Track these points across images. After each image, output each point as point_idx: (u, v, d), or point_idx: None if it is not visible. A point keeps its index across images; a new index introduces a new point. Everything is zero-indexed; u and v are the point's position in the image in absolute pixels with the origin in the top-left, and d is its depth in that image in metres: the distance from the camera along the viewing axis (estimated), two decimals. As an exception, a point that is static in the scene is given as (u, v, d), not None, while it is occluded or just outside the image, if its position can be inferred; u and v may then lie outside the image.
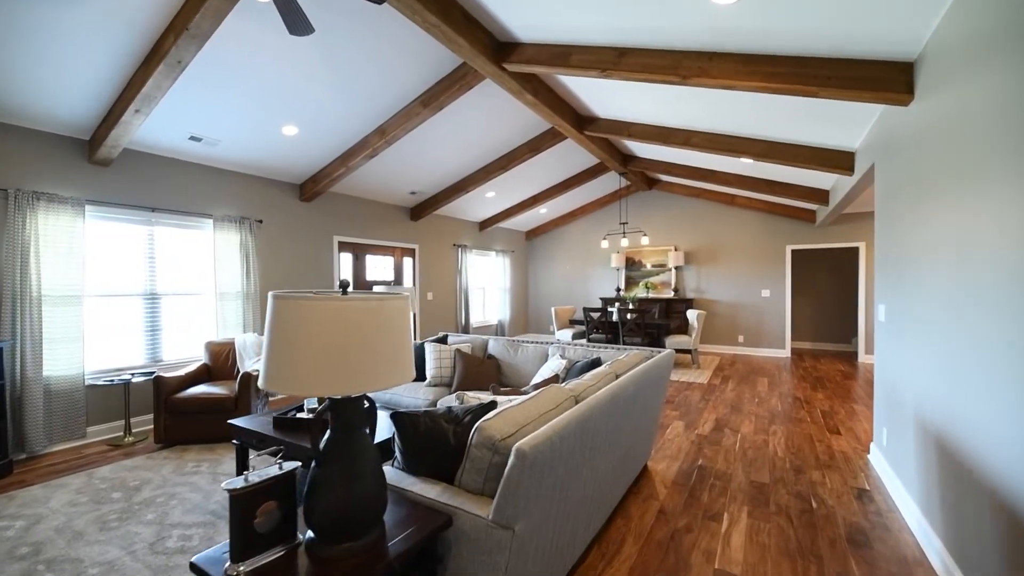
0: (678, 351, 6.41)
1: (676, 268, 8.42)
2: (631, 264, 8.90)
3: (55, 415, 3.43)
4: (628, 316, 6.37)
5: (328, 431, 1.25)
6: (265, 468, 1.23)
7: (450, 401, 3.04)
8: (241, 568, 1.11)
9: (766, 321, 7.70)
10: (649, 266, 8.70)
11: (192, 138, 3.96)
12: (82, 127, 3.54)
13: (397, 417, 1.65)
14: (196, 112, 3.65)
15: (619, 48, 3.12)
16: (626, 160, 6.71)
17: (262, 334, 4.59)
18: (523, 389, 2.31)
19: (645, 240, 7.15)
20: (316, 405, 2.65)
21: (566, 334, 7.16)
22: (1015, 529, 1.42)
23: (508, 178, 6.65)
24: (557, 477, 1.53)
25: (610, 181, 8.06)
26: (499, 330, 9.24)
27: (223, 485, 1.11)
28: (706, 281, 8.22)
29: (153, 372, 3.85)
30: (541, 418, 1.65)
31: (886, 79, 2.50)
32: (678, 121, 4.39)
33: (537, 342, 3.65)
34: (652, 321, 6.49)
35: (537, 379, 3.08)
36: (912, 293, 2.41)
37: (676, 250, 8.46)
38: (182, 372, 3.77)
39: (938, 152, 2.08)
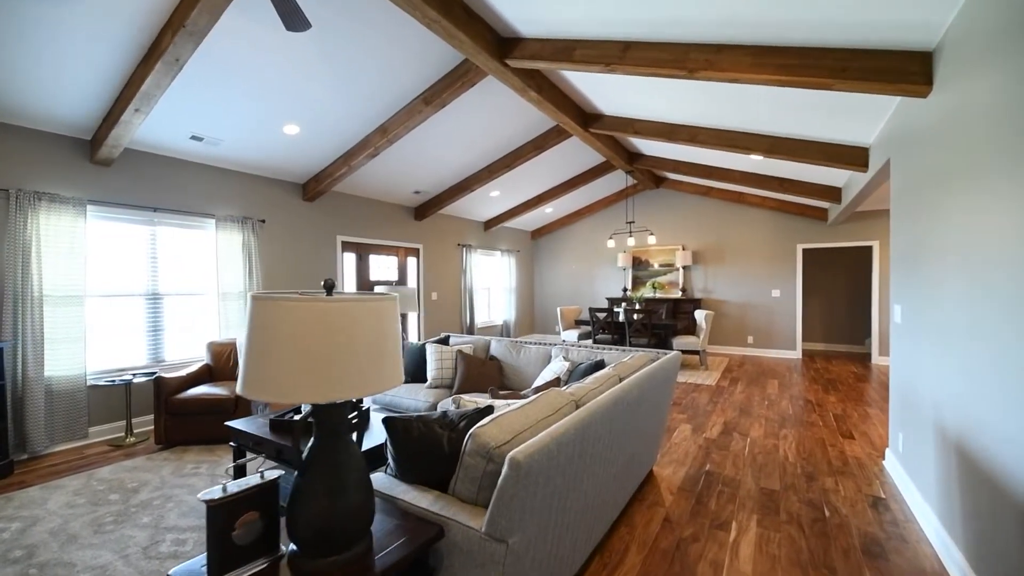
0: (686, 352, 6.30)
1: (684, 268, 8.29)
2: (638, 264, 8.79)
3: (57, 415, 3.43)
4: (635, 316, 6.27)
5: (312, 438, 1.19)
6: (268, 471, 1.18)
7: (449, 404, 2.99)
8: (218, 583, 1.06)
9: (776, 321, 7.55)
10: (656, 266, 8.58)
11: (194, 137, 3.95)
12: (83, 127, 3.53)
13: (389, 422, 1.59)
14: (197, 111, 3.63)
15: (624, 42, 3.04)
16: (632, 158, 6.60)
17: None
18: (523, 393, 2.24)
19: (652, 239, 7.04)
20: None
21: (572, 334, 7.08)
22: (1046, 547, 1.33)
23: (513, 177, 6.58)
24: (555, 487, 1.45)
25: (616, 180, 7.97)
26: (504, 330, 9.17)
27: (199, 496, 1.06)
28: (714, 281, 8.09)
29: (155, 372, 3.84)
30: (539, 424, 1.58)
31: (903, 70, 2.40)
32: (684, 117, 4.29)
33: (540, 343, 3.58)
34: (659, 321, 6.38)
35: (539, 382, 3.01)
36: (931, 294, 2.30)
37: (684, 249, 8.34)
38: (184, 372, 3.75)
39: (958, 145, 1.97)
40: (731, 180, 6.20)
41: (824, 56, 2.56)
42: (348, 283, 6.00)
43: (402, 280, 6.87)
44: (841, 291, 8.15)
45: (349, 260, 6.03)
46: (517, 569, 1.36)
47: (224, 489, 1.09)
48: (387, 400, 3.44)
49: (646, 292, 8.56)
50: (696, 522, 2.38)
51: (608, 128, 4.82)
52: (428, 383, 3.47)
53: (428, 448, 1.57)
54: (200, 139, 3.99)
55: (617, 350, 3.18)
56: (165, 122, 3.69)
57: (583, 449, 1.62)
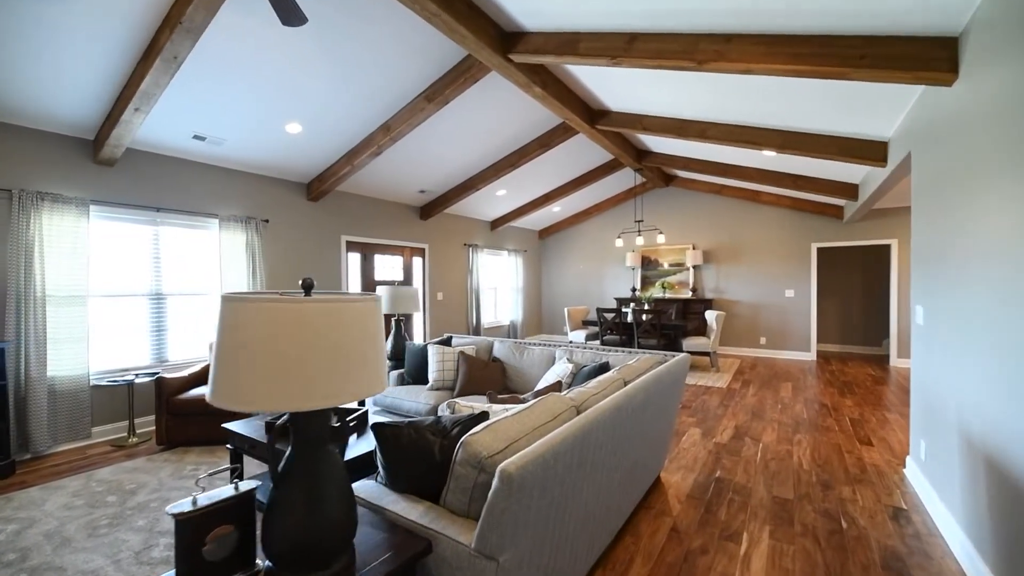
0: (696, 353, 6.15)
1: (694, 267, 8.13)
2: (647, 263, 8.65)
3: (60, 415, 3.43)
4: (643, 317, 6.15)
5: (290, 447, 1.12)
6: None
7: (445, 409, 2.91)
8: (187, 602, 0.99)
9: (790, 322, 7.37)
10: (666, 265, 8.43)
11: (196, 137, 3.93)
12: (85, 127, 3.53)
13: (378, 428, 1.52)
14: (199, 111, 3.60)
15: (630, 33, 2.94)
16: (641, 155, 6.48)
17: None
18: (523, 397, 2.16)
19: (661, 238, 6.90)
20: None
21: (579, 335, 6.97)
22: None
23: (519, 175, 6.50)
24: (552, 499, 1.37)
25: (625, 178, 7.84)
26: (511, 331, 9.09)
27: (167, 509, 1.00)
28: (726, 281, 7.92)
29: (158, 373, 3.83)
30: (536, 431, 1.50)
31: (925, 57, 2.27)
32: (694, 112, 4.17)
33: (544, 344, 3.49)
34: (668, 322, 6.25)
35: (542, 384, 2.93)
36: (956, 294, 2.17)
37: (694, 249, 8.18)
38: (186, 373, 3.74)
39: (987, 137, 1.85)
40: (744, 177, 6.04)
41: (840, 44, 2.43)
42: (352, 283, 5.97)
43: (407, 280, 6.82)
44: (857, 291, 7.92)
45: (354, 260, 6.00)
46: (510, 587, 1.27)
47: (194, 502, 1.03)
48: (388, 402, 3.38)
49: (655, 292, 8.41)
50: (705, 532, 2.28)
51: (616, 124, 4.71)
52: (429, 385, 3.40)
53: (419, 456, 1.49)
54: (203, 138, 3.97)
55: (623, 352, 3.08)
56: (167, 122, 3.67)
57: (583, 458, 1.53)
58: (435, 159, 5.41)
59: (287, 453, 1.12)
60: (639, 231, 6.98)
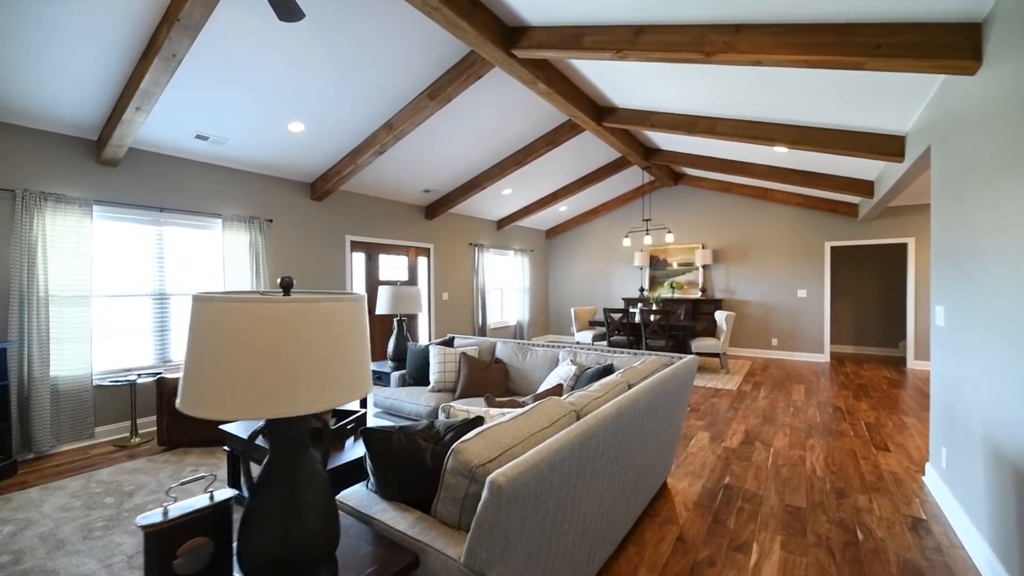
0: (706, 355, 6.03)
1: (704, 267, 7.99)
2: (655, 263, 8.51)
3: (63, 415, 3.43)
4: (651, 318, 6.04)
5: (267, 456, 1.06)
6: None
7: (440, 412, 2.85)
8: (156, 619, 0.94)
9: (802, 323, 7.20)
10: (675, 265, 8.29)
11: (199, 136, 3.92)
12: (87, 127, 3.53)
13: (368, 434, 1.46)
14: (201, 110, 3.59)
15: (635, 26, 2.85)
16: (649, 153, 6.37)
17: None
18: (522, 400, 2.09)
19: (669, 237, 6.79)
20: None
21: (586, 336, 6.88)
22: None
23: (525, 174, 6.43)
24: (547, 510, 1.30)
25: (633, 176, 7.72)
26: (518, 331, 9.02)
27: (137, 521, 0.94)
28: (736, 281, 7.77)
29: (160, 373, 3.82)
30: (532, 438, 1.42)
31: (947, 44, 2.15)
32: (703, 108, 4.06)
33: (548, 345, 3.42)
34: (677, 323, 6.13)
35: (545, 387, 2.85)
36: (981, 294, 2.05)
37: (704, 248, 8.03)
38: (188, 373, 3.72)
39: (1014, 127, 1.73)
40: (754, 175, 5.91)
41: (855, 32, 2.33)
42: (357, 283, 5.94)
43: (412, 280, 6.78)
44: (872, 291, 7.72)
45: (358, 260, 5.97)
46: (503, 603, 1.20)
47: (165, 512, 0.97)
48: (388, 404, 3.33)
49: (664, 292, 8.28)
50: (713, 543, 2.18)
51: (622, 121, 4.62)
52: (431, 387, 3.34)
53: (409, 463, 1.43)
54: (205, 138, 3.96)
55: (628, 354, 2.99)
56: (170, 121, 3.66)
57: (582, 466, 1.46)
58: (440, 158, 5.36)
59: (264, 461, 1.06)
60: (647, 230, 6.86)
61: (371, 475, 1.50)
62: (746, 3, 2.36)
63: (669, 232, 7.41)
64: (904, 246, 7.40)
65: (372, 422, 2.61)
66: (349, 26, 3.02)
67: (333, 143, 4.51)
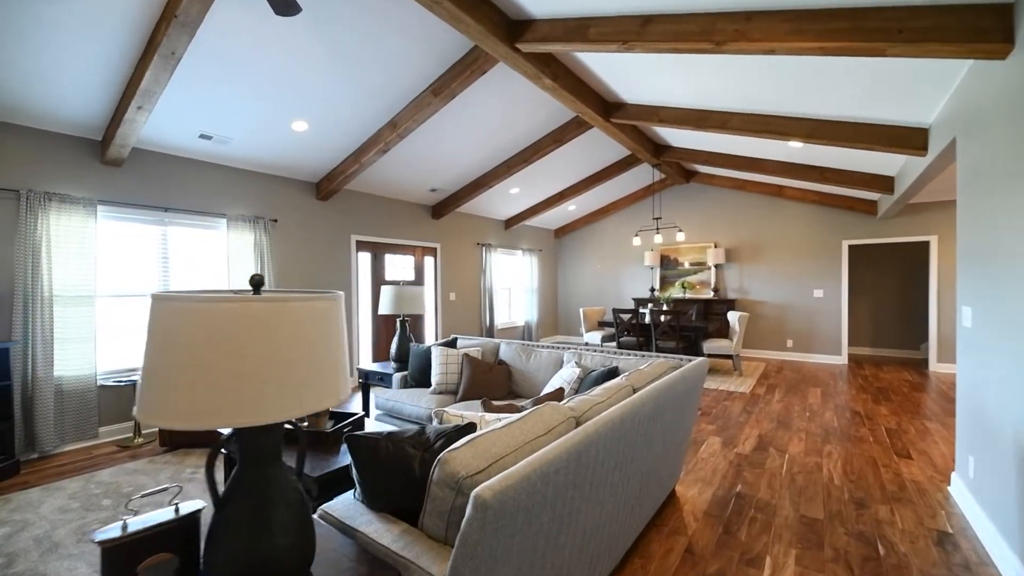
0: (718, 356, 5.87)
1: (716, 266, 7.81)
2: (666, 262, 8.35)
3: (67, 415, 3.43)
4: (662, 318, 5.90)
5: (236, 465, 0.99)
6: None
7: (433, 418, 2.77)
8: (113, 642, 0.88)
9: (819, 324, 6.99)
10: (687, 264, 8.13)
11: (202, 136, 3.90)
12: (91, 127, 3.53)
13: (353, 441, 1.39)
14: (204, 109, 3.57)
15: (642, 16, 2.76)
16: (659, 150, 6.23)
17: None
18: (521, 404, 2.00)
19: (680, 236, 6.64)
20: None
21: (595, 336, 6.76)
22: None
23: (532, 172, 6.34)
24: (540, 525, 1.21)
25: (643, 174, 7.58)
26: (526, 332, 8.93)
27: (93, 537, 0.88)
28: (750, 280, 7.58)
29: (164, 373, 3.81)
30: (526, 447, 1.34)
31: (974, 27, 2.02)
32: (713, 101, 3.93)
33: (553, 346, 3.32)
34: (688, 324, 5.98)
35: (548, 389, 2.76)
36: (1012, 295, 1.91)
37: (716, 247, 7.86)
38: (191, 374, 3.70)
39: (1054, 110, 1.60)
40: (768, 172, 5.74)
41: (874, 16, 2.20)
42: (363, 283, 5.91)
43: (419, 280, 6.73)
44: (892, 291, 7.47)
45: (364, 260, 5.94)
46: (491, 625, 1.12)
47: (124, 527, 0.91)
48: (389, 406, 3.27)
49: (675, 292, 8.12)
50: (723, 555, 2.07)
51: (631, 117, 4.50)
52: (432, 388, 3.27)
53: (397, 471, 1.36)
54: (209, 138, 3.95)
55: (635, 356, 2.89)
56: (173, 121, 3.65)
57: (581, 476, 1.37)
58: (445, 156, 5.30)
59: (232, 472, 0.99)
60: (658, 229, 6.73)
61: (357, 484, 1.43)
62: (758, -12, 2.25)
63: (680, 231, 7.25)
64: (926, 244, 7.15)
65: (373, 425, 2.55)
66: (348, 21, 2.97)
67: (337, 142, 4.47)
